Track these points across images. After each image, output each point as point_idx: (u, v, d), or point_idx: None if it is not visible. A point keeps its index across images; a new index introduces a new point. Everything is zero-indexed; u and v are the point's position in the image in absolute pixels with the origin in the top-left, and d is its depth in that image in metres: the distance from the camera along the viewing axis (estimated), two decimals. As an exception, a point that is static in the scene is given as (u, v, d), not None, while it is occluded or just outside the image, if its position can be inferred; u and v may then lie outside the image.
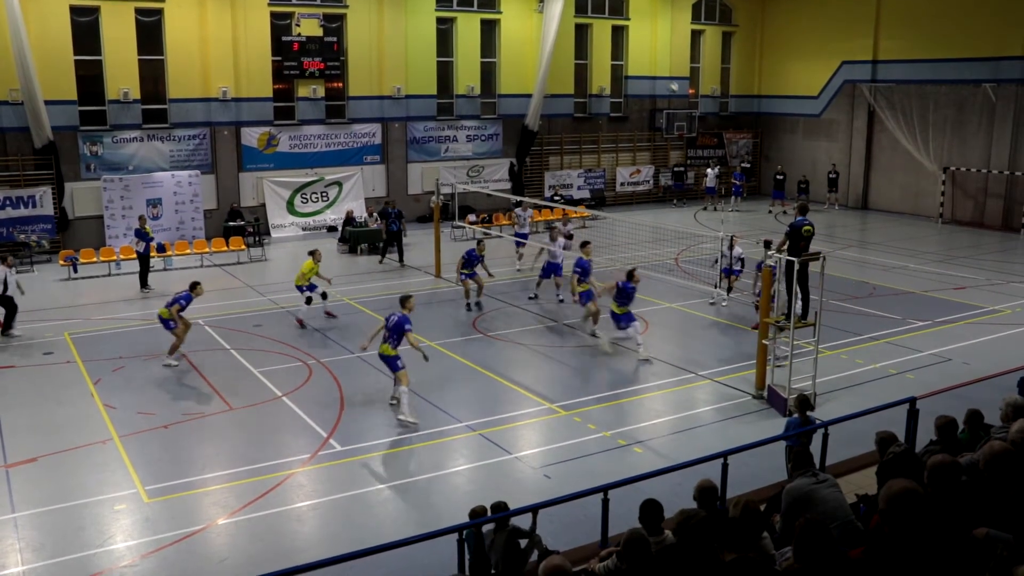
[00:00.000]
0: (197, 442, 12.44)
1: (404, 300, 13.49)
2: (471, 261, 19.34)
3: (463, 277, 19.30)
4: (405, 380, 12.93)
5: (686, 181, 36.13)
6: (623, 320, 15.97)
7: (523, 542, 7.85)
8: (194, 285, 16.05)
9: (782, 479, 9.03)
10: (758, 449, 9.86)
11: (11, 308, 17.48)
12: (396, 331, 13.00)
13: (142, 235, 20.96)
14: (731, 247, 18.92)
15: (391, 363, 13.12)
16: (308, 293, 17.85)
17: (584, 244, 18.09)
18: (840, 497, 6.68)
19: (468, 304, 19.34)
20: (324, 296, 18.24)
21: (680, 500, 7.59)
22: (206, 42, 26.64)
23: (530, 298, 20.20)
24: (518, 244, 23.37)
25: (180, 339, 15.59)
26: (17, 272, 18.33)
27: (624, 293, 15.88)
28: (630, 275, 16.09)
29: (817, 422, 10.34)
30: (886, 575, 4.65)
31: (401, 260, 24.26)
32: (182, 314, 15.64)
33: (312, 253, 18.16)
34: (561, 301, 19.83)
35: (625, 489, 8.38)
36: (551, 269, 20.23)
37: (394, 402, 13.34)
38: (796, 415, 10.28)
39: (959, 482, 5.58)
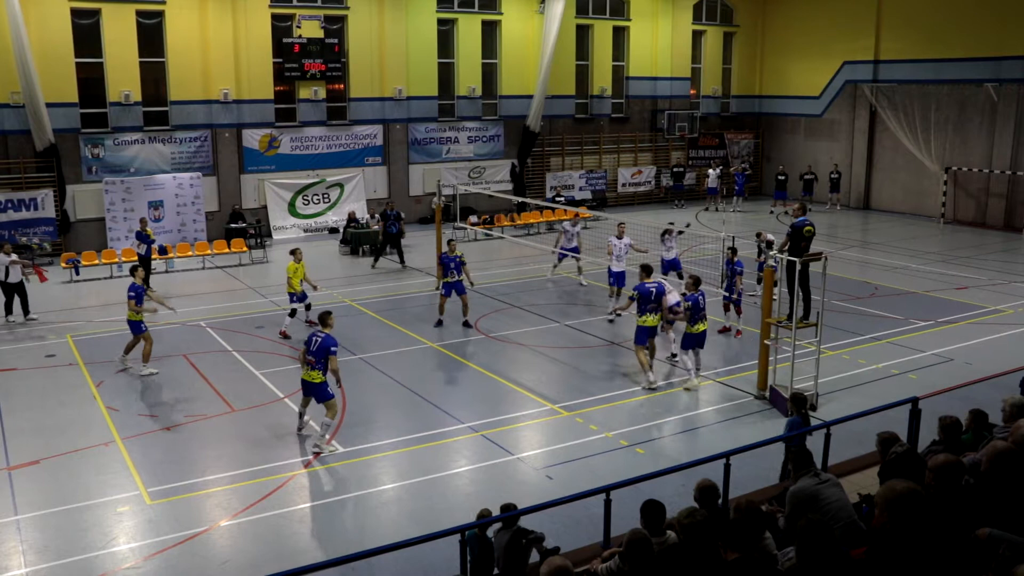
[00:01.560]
0: (199, 444, 12.44)
1: (324, 318, 12.27)
2: (446, 267, 17.81)
3: (443, 294, 17.95)
4: (333, 412, 12.03)
5: (685, 181, 36.09)
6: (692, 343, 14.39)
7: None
8: (133, 270, 15.59)
9: (784, 479, 9.02)
10: (760, 449, 9.85)
11: (11, 294, 18.21)
12: (321, 354, 11.82)
13: (143, 237, 20.98)
14: (766, 243, 19.21)
15: (319, 392, 11.99)
16: (295, 304, 17.55)
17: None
18: (844, 497, 6.69)
19: (440, 320, 17.95)
20: (308, 307, 18.08)
21: (682, 501, 7.60)
22: (207, 44, 26.67)
23: (610, 321, 18.23)
24: (562, 257, 21.36)
25: (149, 343, 15.10)
26: (22, 259, 18.83)
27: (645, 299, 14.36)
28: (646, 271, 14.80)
29: (816, 421, 10.33)
30: (888, 575, 4.65)
31: (401, 262, 24.25)
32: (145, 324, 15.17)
33: (293, 252, 17.77)
34: (617, 315, 17.99)
35: (627, 490, 8.38)
36: (617, 278, 18.47)
37: (303, 431, 12.48)
38: (795, 415, 10.27)
39: (962, 482, 5.58)
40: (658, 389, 14.37)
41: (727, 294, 16.69)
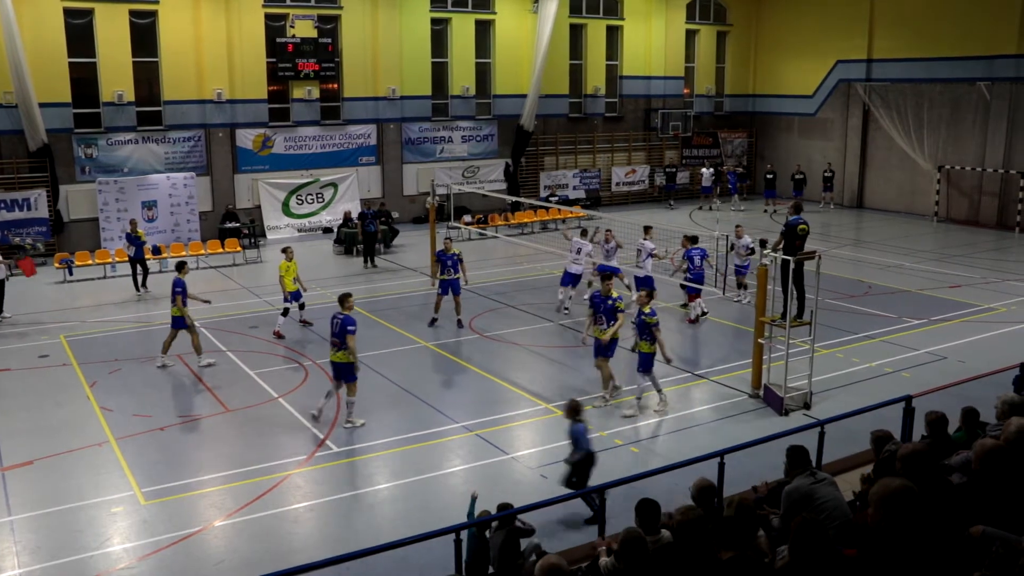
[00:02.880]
0: (194, 444, 12.43)
1: (343, 299, 12.78)
2: (444, 264, 17.72)
3: (440, 292, 17.86)
4: (354, 392, 12.58)
5: (679, 181, 36.09)
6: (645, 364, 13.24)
7: (524, 542, 7.84)
8: (180, 266, 15.74)
9: (778, 478, 9.04)
10: (754, 448, 9.86)
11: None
12: (342, 335, 12.33)
13: (132, 239, 20.89)
14: (738, 237, 19.43)
15: (346, 372, 12.44)
16: (287, 304, 17.52)
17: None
18: (839, 496, 6.71)
19: (434, 319, 17.92)
20: (302, 307, 18.05)
21: (677, 499, 7.61)
22: (200, 44, 26.61)
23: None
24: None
25: (195, 336, 15.45)
26: (5, 260, 19.08)
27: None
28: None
29: (811, 419, 10.32)
30: (881, 572, 4.66)
31: (373, 262, 24.26)
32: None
33: (284, 251, 17.82)
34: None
35: (622, 488, 8.40)
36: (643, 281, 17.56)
37: (316, 413, 12.75)
38: (577, 423, 10.04)
39: (933, 471, 5.61)
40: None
41: (697, 286, 17.41)
